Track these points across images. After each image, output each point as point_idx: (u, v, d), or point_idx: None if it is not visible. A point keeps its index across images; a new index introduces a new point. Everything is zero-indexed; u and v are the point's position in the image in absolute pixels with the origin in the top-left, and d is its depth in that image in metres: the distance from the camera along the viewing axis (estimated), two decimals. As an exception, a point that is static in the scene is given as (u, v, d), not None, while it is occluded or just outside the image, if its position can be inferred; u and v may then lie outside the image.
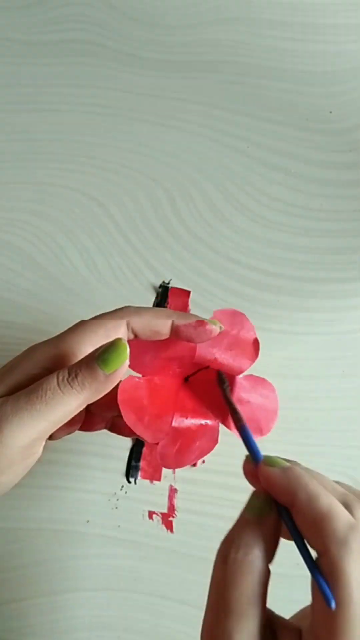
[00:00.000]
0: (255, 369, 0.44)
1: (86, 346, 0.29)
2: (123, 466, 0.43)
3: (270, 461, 0.25)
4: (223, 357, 0.34)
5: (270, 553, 0.23)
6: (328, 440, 0.43)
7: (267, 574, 0.23)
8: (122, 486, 0.43)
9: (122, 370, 0.28)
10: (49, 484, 0.42)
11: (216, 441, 0.34)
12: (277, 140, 0.46)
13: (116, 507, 0.43)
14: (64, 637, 0.42)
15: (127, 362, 0.28)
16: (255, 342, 0.36)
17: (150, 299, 0.44)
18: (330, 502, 0.22)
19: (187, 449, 0.34)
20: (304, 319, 0.44)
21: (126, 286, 0.44)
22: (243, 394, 0.35)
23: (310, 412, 0.43)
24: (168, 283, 0.44)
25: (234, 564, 0.22)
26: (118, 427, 0.33)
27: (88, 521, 0.43)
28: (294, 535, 0.23)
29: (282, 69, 0.46)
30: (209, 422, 0.34)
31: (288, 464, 0.25)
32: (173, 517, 0.43)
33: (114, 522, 0.43)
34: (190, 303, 0.44)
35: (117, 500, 0.43)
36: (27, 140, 0.46)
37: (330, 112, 0.46)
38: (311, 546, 0.22)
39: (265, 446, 0.43)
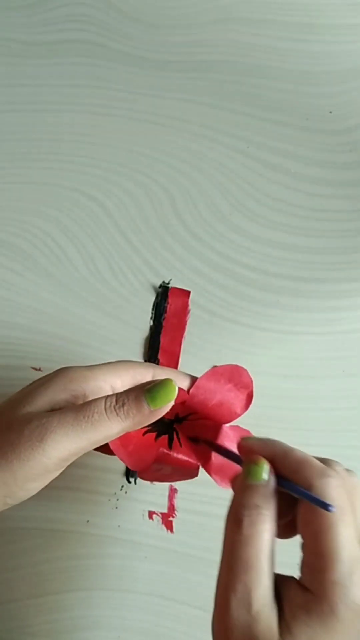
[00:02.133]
0: (256, 369, 0.44)
1: (116, 381, 0.31)
2: (123, 466, 0.43)
3: (247, 438, 0.29)
4: (212, 406, 0.34)
5: (275, 512, 0.26)
6: (328, 440, 0.43)
7: (275, 532, 0.25)
8: (122, 486, 0.43)
9: (166, 408, 0.30)
10: (49, 484, 0.42)
11: (195, 476, 0.34)
12: (277, 140, 0.46)
13: (116, 507, 0.43)
14: (64, 637, 0.42)
15: (173, 402, 0.30)
16: (249, 396, 0.36)
17: (150, 299, 0.44)
18: (304, 453, 0.26)
19: (166, 477, 0.34)
20: (304, 319, 0.44)
21: (126, 286, 0.44)
22: (227, 443, 0.35)
23: (310, 412, 0.43)
24: (168, 283, 0.44)
25: (250, 525, 0.25)
26: (102, 446, 0.34)
27: (88, 521, 0.43)
28: (282, 483, 0.26)
29: (282, 69, 0.46)
30: (191, 460, 0.35)
31: (265, 437, 0.29)
32: (173, 517, 0.43)
33: (114, 522, 0.43)
34: (190, 303, 0.44)
35: (117, 500, 0.43)
36: (27, 140, 0.46)
37: (330, 112, 0.46)
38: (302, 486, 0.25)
39: (265, 446, 0.43)
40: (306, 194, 0.45)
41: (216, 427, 0.35)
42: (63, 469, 0.29)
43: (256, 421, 0.43)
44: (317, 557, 0.23)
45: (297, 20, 0.46)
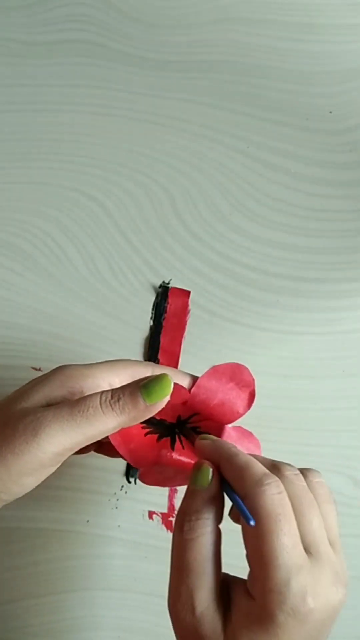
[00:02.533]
0: (256, 369, 0.44)
1: (114, 379, 0.31)
2: (123, 466, 0.43)
3: (204, 437, 0.30)
4: (215, 406, 0.34)
5: (218, 515, 0.27)
6: (328, 440, 0.43)
7: (219, 534, 0.26)
8: (122, 486, 0.43)
9: (162, 403, 0.30)
10: (49, 484, 0.42)
11: None
12: (277, 140, 0.46)
13: (116, 507, 0.43)
14: (64, 637, 0.42)
15: (169, 397, 0.30)
16: (251, 395, 0.36)
17: (150, 299, 0.44)
18: (247, 459, 0.26)
19: (168, 479, 0.34)
20: (304, 319, 0.44)
21: (126, 286, 0.44)
22: None
23: (310, 412, 0.43)
24: (168, 283, 0.44)
25: (189, 530, 0.26)
26: (105, 448, 0.34)
27: (88, 521, 0.43)
28: (224, 488, 0.27)
29: (282, 69, 0.46)
30: (192, 462, 0.35)
31: (217, 438, 0.30)
32: (173, 517, 0.43)
33: (114, 522, 0.43)
34: (190, 303, 0.44)
35: (117, 500, 0.43)
36: (27, 140, 0.46)
37: (330, 112, 0.46)
38: (238, 495, 0.25)
39: (266, 446, 0.43)
40: (306, 194, 0.45)
41: (219, 428, 0.35)
42: (59, 464, 0.29)
43: (256, 421, 0.43)
44: (257, 566, 0.24)
45: (297, 20, 0.46)
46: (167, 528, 0.43)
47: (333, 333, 0.44)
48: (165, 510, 0.43)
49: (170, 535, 0.42)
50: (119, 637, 0.42)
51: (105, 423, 0.28)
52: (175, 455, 0.34)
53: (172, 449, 0.34)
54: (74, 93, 0.46)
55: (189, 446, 0.35)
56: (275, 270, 0.45)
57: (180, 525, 0.26)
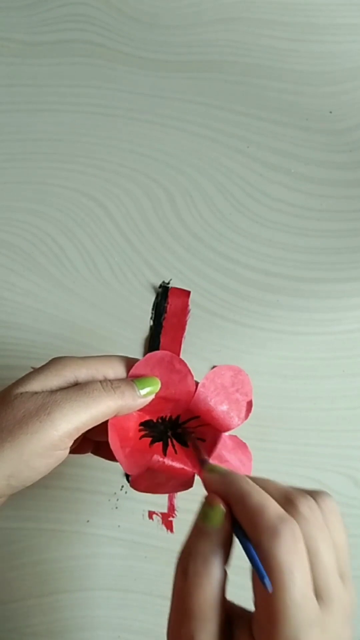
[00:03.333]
0: (256, 368, 0.44)
1: (108, 371, 0.32)
2: (123, 466, 0.43)
3: (212, 468, 0.28)
4: (217, 410, 0.34)
5: (226, 558, 0.25)
6: (328, 440, 0.43)
7: (224, 578, 0.24)
8: (122, 486, 0.43)
9: (151, 397, 0.32)
10: (49, 484, 0.42)
11: (189, 486, 0.34)
12: (277, 140, 0.46)
13: (116, 507, 0.43)
14: (64, 637, 0.42)
15: (154, 395, 0.32)
16: (249, 405, 0.36)
17: (150, 299, 0.44)
18: (260, 499, 0.24)
19: (159, 485, 0.34)
20: (304, 319, 0.44)
21: (126, 286, 0.44)
22: (224, 452, 0.35)
23: (310, 412, 0.43)
24: (168, 283, 0.44)
25: (194, 575, 0.24)
26: (102, 450, 0.34)
27: (88, 521, 0.43)
28: (236, 532, 0.25)
29: (282, 69, 0.46)
30: (185, 467, 0.35)
31: (227, 470, 0.27)
32: (173, 517, 0.43)
33: (114, 522, 0.43)
34: (190, 303, 0.44)
35: (117, 500, 0.43)
36: (27, 140, 0.46)
37: (330, 112, 0.46)
38: (251, 542, 0.24)
39: (266, 446, 0.43)
40: (306, 194, 0.45)
41: (215, 435, 0.35)
42: (66, 450, 0.30)
43: (256, 421, 0.43)
44: (265, 617, 0.23)
45: (297, 20, 0.46)
46: (167, 528, 0.43)
47: (333, 333, 0.44)
48: (165, 510, 0.43)
49: (170, 535, 0.42)
50: (119, 637, 0.42)
51: (107, 404, 0.30)
52: (167, 461, 0.34)
53: (164, 454, 0.35)
54: (74, 93, 0.46)
55: (182, 451, 0.35)
56: (275, 270, 0.45)
57: (184, 567, 0.24)
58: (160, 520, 0.43)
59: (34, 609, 0.42)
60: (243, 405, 0.36)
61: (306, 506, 0.25)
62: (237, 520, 0.25)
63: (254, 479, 0.26)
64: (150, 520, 0.43)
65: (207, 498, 0.26)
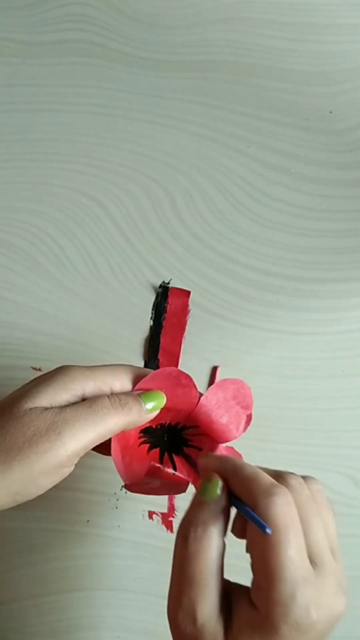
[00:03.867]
0: (256, 368, 0.44)
1: (115, 383, 0.32)
2: (123, 466, 0.43)
3: (207, 455, 0.30)
4: (217, 422, 0.35)
5: (225, 527, 0.26)
6: (328, 440, 0.43)
7: (223, 547, 0.26)
8: (122, 486, 0.43)
9: (157, 412, 0.33)
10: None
11: (183, 491, 0.35)
12: (277, 140, 0.46)
13: (116, 507, 0.43)
14: (64, 637, 0.42)
15: (159, 410, 0.33)
16: (249, 418, 0.37)
17: (150, 299, 0.44)
18: (254, 469, 0.26)
19: (154, 490, 0.34)
20: (304, 319, 0.44)
21: (126, 286, 0.44)
22: None
23: (310, 412, 0.43)
24: (168, 283, 0.44)
25: (195, 541, 0.25)
26: (99, 446, 0.34)
27: (88, 521, 0.43)
28: (233, 501, 0.27)
29: (282, 69, 0.46)
30: (181, 475, 0.35)
31: (221, 454, 0.30)
32: (173, 517, 0.43)
33: (114, 522, 0.43)
34: (190, 303, 0.44)
35: (117, 500, 0.43)
36: (27, 140, 0.46)
37: (330, 112, 0.46)
38: (248, 506, 0.25)
39: (266, 446, 0.43)
40: (306, 194, 0.45)
41: (212, 445, 0.35)
42: (72, 466, 0.30)
43: (256, 421, 0.43)
44: (262, 577, 0.24)
45: (297, 20, 0.46)
46: (167, 528, 0.43)
47: (333, 333, 0.44)
48: (165, 510, 0.43)
49: (170, 535, 0.42)
50: (119, 637, 0.42)
51: (114, 422, 0.30)
52: (164, 469, 0.34)
53: (161, 462, 0.35)
54: (74, 93, 0.46)
55: (179, 459, 0.36)
56: (275, 270, 0.45)
57: (185, 535, 0.26)
58: (160, 520, 0.43)
59: (34, 609, 0.42)
60: (242, 418, 0.36)
61: (295, 480, 0.27)
62: (233, 493, 0.27)
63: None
64: (150, 520, 0.43)
65: (205, 474, 0.28)
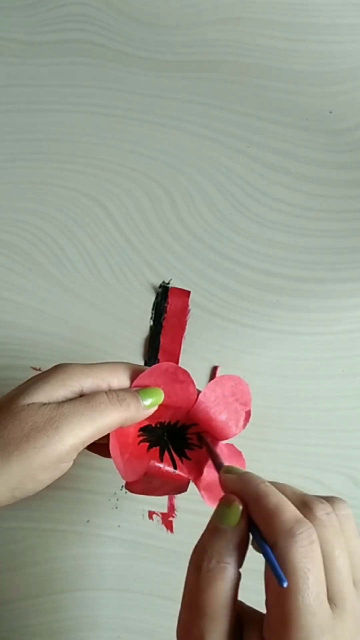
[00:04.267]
0: (256, 368, 0.44)
1: (113, 380, 0.32)
2: (123, 466, 0.43)
3: (229, 469, 0.28)
4: (216, 419, 0.35)
5: (241, 559, 0.24)
6: (328, 440, 0.43)
7: (238, 579, 0.24)
8: (122, 486, 0.43)
9: (154, 409, 0.33)
10: (49, 484, 0.42)
11: (184, 491, 0.35)
12: (277, 140, 0.46)
13: (116, 507, 0.43)
14: (64, 637, 0.42)
15: (157, 406, 0.33)
16: (248, 415, 0.36)
17: (150, 299, 0.44)
18: (278, 500, 0.24)
19: (154, 489, 0.34)
20: (304, 319, 0.44)
21: (126, 286, 0.44)
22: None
23: (310, 412, 0.43)
24: (168, 283, 0.44)
25: (207, 572, 0.24)
26: (97, 447, 0.34)
27: (88, 521, 0.43)
28: (252, 532, 0.24)
29: (282, 69, 0.46)
30: (181, 473, 0.35)
31: (244, 471, 0.27)
32: (173, 517, 0.43)
33: (114, 522, 0.43)
34: (190, 303, 0.44)
35: (117, 500, 0.43)
36: (27, 140, 0.46)
37: (330, 112, 0.46)
38: (267, 542, 0.24)
39: (266, 446, 0.43)
40: (306, 194, 0.45)
41: (212, 442, 0.35)
42: (71, 462, 0.30)
43: (256, 421, 0.43)
44: (276, 619, 0.23)
45: (297, 20, 0.46)
46: (167, 528, 0.43)
47: (333, 333, 0.44)
48: (165, 510, 0.43)
49: (170, 535, 0.42)
50: (119, 637, 0.42)
51: (112, 417, 0.30)
52: (163, 466, 0.34)
53: (161, 460, 0.35)
54: (74, 93, 0.46)
55: (177, 458, 0.36)
56: (275, 270, 0.45)
57: (198, 564, 0.24)
58: (160, 520, 0.43)
59: (34, 609, 0.42)
60: (241, 414, 0.36)
61: (323, 511, 0.25)
62: (253, 521, 0.25)
63: (270, 482, 0.26)
64: (150, 520, 0.43)
65: (224, 496, 0.26)
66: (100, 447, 0.33)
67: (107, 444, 0.32)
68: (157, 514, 0.43)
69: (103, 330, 0.44)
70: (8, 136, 0.46)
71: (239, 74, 0.46)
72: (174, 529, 0.42)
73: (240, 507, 0.25)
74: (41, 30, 0.47)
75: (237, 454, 0.37)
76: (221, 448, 0.36)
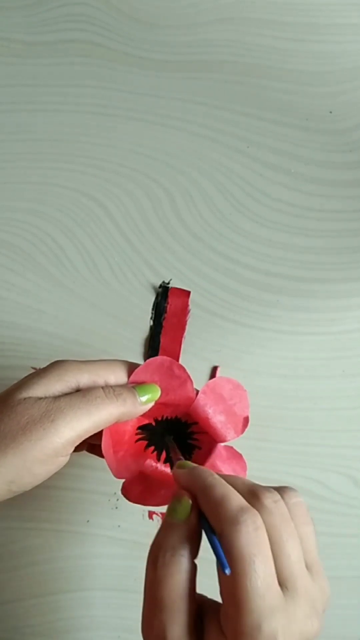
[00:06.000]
0: (256, 368, 0.44)
1: (109, 376, 0.32)
2: (123, 466, 0.43)
3: (181, 464, 0.29)
4: (214, 419, 0.35)
5: (194, 550, 0.25)
6: (328, 440, 0.43)
7: (193, 570, 0.25)
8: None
9: (151, 404, 0.33)
10: (49, 484, 0.42)
11: None
12: (277, 140, 0.46)
13: (116, 507, 0.43)
14: (64, 637, 0.42)
15: (154, 402, 0.33)
16: (246, 420, 0.36)
17: (150, 299, 0.44)
18: (223, 491, 0.25)
19: (150, 493, 0.34)
20: (304, 319, 0.44)
21: (126, 286, 0.44)
22: (218, 462, 0.35)
23: (310, 412, 0.43)
24: (168, 283, 0.44)
25: (163, 566, 0.24)
26: (97, 449, 0.34)
27: (88, 521, 0.43)
28: (202, 524, 0.25)
29: (282, 69, 0.46)
30: None
31: (194, 465, 0.28)
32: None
33: (114, 522, 0.43)
34: (190, 303, 0.44)
35: (117, 500, 0.43)
36: (27, 140, 0.46)
37: (330, 112, 0.46)
38: (214, 532, 0.24)
39: (266, 446, 0.43)
40: (306, 194, 0.45)
41: (211, 444, 0.35)
42: (67, 456, 0.30)
43: (256, 421, 0.43)
44: (229, 605, 0.23)
45: (297, 20, 0.46)
46: (167, 528, 0.43)
47: (333, 333, 0.44)
48: (165, 511, 0.43)
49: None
50: (119, 637, 0.42)
51: (108, 411, 0.30)
52: (160, 466, 0.34)
53: (158, 459, 0.35)
54: (74, 93, 0.46)
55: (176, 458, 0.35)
56: (275, 270, 0.45)
57: (154, 560, 0.25)
58: (160, 520, 0.43)
59: (33, 609, 0.42)
60: (240, 419, 0.36)
61: (270, 499, 0.25)
62: (202, 513, 0.25)
63: (222, 476, 0.27)
64: (150, 520, 0.43)
65: (175, 493, 0.27)
66: (100, 448, 0.33)
67: None
68: (157, 514, 0.43)
69: (103, 330, 0.44)
70: (8, 136, 0.46)
71: (239, 74, 0.46)
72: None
73: (190, 502, 0.26)
74: (41, 30, 0.47)
75: (237, 456, 0.37)
76: (219, 450, 0.36)
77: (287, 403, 0.43)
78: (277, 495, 0.26)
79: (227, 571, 0.22)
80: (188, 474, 0.27)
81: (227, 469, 0.36)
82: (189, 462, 0.29)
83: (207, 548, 0.24)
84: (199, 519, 0.26)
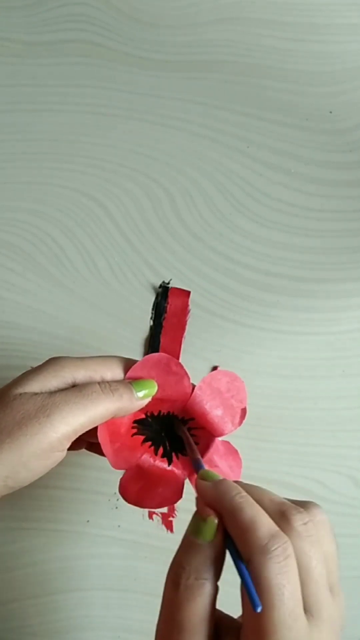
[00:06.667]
0: (256, 368, 0.44)
1: (106, 373, 0.32)
2: (123, 466, 0.43)
3: (205, 475, 0.27)
4: (211, 414, 0.34)
5: (218, 573, 0.24)
6: (328, 440, 0.43)
7: (215, 593, 0.24)
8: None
9: (148, 400, 0.33)
10: (49, 484, 0.42)
11: (180, 494, 0.34)
12: (277, 140, 0.46)
13: (116, 507, 0.43)
14: (63, 637, 0.42)
15: (151, 398, 0.33)
16: (244, 412, 0.36)
17: (150, 299, 0.44)
18: (253, 514, 0.23)
19: (149, 491, 0.34)
20: (304, 319, 0.44)
21: (126, 286, 0.44)
22: (216, 457, 0.35)
23: (310, 412, 0.43)
24: (168, 283, 0.44)
25: (185, 589, 0.23)
26: (96, 447, 0.34)
27: (88, 521, 0.43)
28: (228, 547, 0.24)
29: (282, 69, 0.46)
30: (175, 470, 0.34)
31: (220, 478, 0.26)
32: (173, 517, 0.43)
33: (114, 522, 0.43)
34: (190, 303, 0.44)
35: (117, 500, 0.43)
36: (27, 140, 0.46)
37: (330, 112, 0.46)
38: (242, 558, 0.23)
39: (266, 446, 0.43)
40: (306, 194, 0.45)
41: (209, 439, 0.35)
42: (64, 451, 0.30)
43: (256, 421, 0.43)
44: (252, 633, 0.22)
45: (297, 20, 0.46)
46: (167, 528, 0.43)
47: (333, 333, 0.44)
48: (165, 511, 0.43)
49: (170, 535, 0.42)
50: (119, 637, 0.42)
51: (104, 406, 0.30)
52: (157, 462, 0.34)
53: (156, 453, 0.35)
54: (74, 93, 0.46)
55: (174, 454, 0.35)
56: (275, 270, 0.45)
57: (176, 581, 0.24)
58: (160, 520, 0.43)
59: (33, 609, 0.42)
60: (237, 411, 0.36)
61: (300, 521, 0.24)
62: (229, 536, 0.24)
63: (247, 488, 0.26)
64: (150, 520, 0.43)
65: (199, 510, 0.26)
66: (99, 446, 0.33)
67: None
68: (157, 514, 0.43)
69: (103, 331, 0.44)
70: (8, 136, 0.46)
71: (239, 74, 0.46)
72: (174, 529, 0.42)
73: (216, 521, 0.24)
74: (41, 30, 0.47)
75: (233, 451, 0.37)
76: (217, 445, 0.35)
77: (287, 403, 0.43)
78: (306, 516, 0.24)
79: (259, 609, 0.21)
80: (213, 490, 0.26)
81: (223, 465, 0.35)
82: (213, 472, 0.27)
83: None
84: (224, 540, 0.24)
